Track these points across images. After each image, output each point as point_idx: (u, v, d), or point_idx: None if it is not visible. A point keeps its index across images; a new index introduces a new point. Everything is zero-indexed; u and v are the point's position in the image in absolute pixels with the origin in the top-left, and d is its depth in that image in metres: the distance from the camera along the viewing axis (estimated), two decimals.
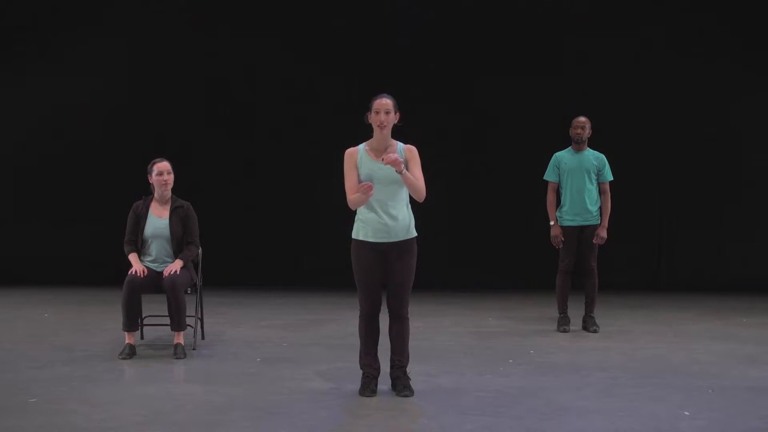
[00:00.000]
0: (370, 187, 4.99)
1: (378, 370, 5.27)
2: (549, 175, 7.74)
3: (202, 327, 7.03)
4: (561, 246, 7.64)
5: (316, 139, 10.91)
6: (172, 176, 6.56)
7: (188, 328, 6.51)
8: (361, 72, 10.74)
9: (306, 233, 11.12)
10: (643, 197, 10.92)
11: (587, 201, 7.58)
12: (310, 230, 11.08)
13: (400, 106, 5.21)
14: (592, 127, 7.70)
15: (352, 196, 5.13)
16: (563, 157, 7.68)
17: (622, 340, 7.24)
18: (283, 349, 6.79)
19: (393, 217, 5.13)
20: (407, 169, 5.10)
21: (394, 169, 5.03)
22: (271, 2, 11.22)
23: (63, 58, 11.35)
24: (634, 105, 10.92)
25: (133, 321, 6.38)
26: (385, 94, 5.19)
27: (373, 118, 5.15)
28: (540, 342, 7.13)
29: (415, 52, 10.98)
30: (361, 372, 5.27)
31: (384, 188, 5.10)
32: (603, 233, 7.60)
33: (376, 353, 5.27)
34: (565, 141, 7.75)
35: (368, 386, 5.19)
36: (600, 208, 7.65)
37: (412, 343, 5.34)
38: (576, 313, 7.80)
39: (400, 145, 5.23)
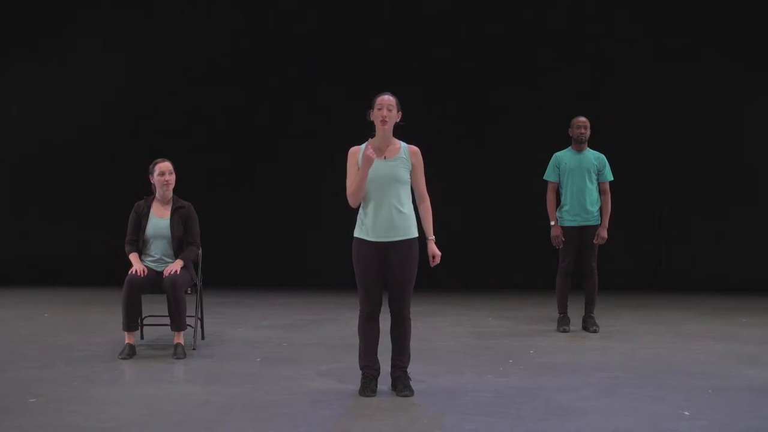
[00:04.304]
0: (372, 154, 5.00)
1: (378, 370, 5.26)
2: (549, 175, 7.73)
3: (202, 327, 7.03)
4: (561, 246, 7.64)
5: (316, 139, 10.92)
6: (173, 176, 6.56)
7: (188, 328, 6.51)
8: (362, 71, 10.74)
9: (306, 233, 11.13)
10: (643, 197, 10.93)
11: (587, 201, 7.57)
12: (310, 230, 11.08)
13: (401, 106, 5.22)
14: (591, 127, 7.71)
15: (350, 190, 5.13)
16: (563, 157, 7.68)
17: (622, 340, 7.24)
18: (283, 349, 6.79)
19: (396, 215, 5.12)
20: (412, 177, 5.19)
21: (396, 167, 5.11)
22: (273, 4, 11.22)
23: (62, 56, 11.35)
24: (634, 105, 10.93)
25: (133, 321, 6.37)
26: (388, 92, 5.21)
27: (375, 114, 5.15)
28: (540, 342, 7.13)
29: (417, 52, 10.98)
30: (361, 372, 5.27)
31: (387, 186, 5.10)
32: (603, 233, 7.59)
33: (376, 353, 5.26)
34: (565, 141, 7.75)
35: (368, 386, 5.18)
36: (600, 208, 7.65)
37: (412, 343, 5.34)
38: (576, 313, 7.80)
39: (404, 145, 5.24)
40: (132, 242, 6.52)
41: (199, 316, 6.93)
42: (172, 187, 6.57)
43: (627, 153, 10.06)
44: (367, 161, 5.01)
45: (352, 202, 5.19)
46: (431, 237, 5.27)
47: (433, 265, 5.25)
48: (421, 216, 5.26)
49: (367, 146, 5.04)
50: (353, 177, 5.16)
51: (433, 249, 5.25)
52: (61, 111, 11.35)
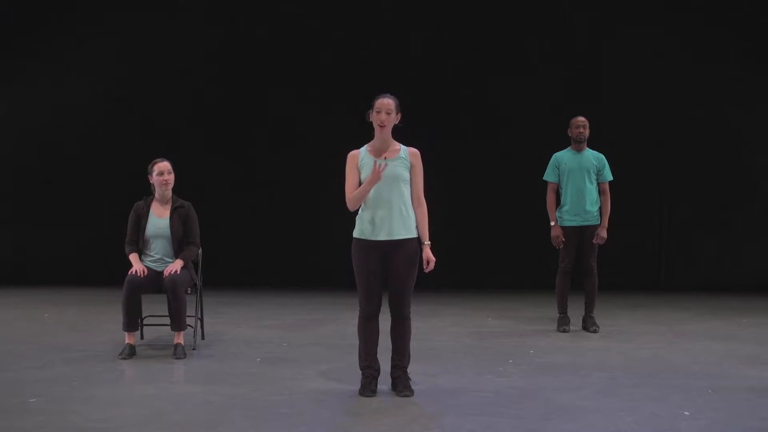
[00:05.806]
0: (381, 172, 4.99)
1: (378, 370, 5.26)
2: (549, 176, 7.73)
3: (202, 327, 7.03)
4: (561, 246, 7.64)
5: (316, 140, 10.92)
6: (172, 176, 6.56)
7: (188, 328, 6.51)
8: (362, 73, 10.74)
9: (306, 233, 11.12)
10: (643, 197, 10.93)
11: (587, 201, 7.57)
12: (310, 230, 11.08)
13: (402, 107, 5.21)
14: (591, 127, 7.71)
15: (350, 194, 5.13)
16: (563, 157, 7.68)
17: (622, 340, 7.24)
18: (283, 349, 6.79)
19: (397, 215, 5.12)
20: (410, 178, 5.16)
21: (397, 166, 5.11)
22: (272, 4, 11.22)
23: (62, 58, 11.35)
24: (634, 105, 10.92)
25: (133, 321, 6.37)
26: (388, 94, 5.20)
27: (374, 117, 5.15)
28: (540, 342, 7.13)
29: (417, 54, 10.98)
30: (361, 372, 5.27)
31: (387, 186, 5.10)
32: (603, 233, 7.59)
33: (376, 353, 5.26)
34: (564, 141, 7.74)
35: (368, 386, 5.18)
36: (600, 208, 7.65)
37: (412, 343, 5.33)
38: (576, 313, 7.80)
39: (403, 148, 5.24)
40: (132, 242, 6.52)
41: (199, 316, 6.93)
42: (171, 186, 6.57)
43: (627, 153, 10.05)
44: (375, 178, 5.00)
45: (351, 207, 5.19)
46: (427, 242, 5.25)
47: (427, 270, 5.23)
48: (418, 220, 5.23)
49: (376, 166, 5.01)
50: (352, 180, 5.15)
51: (428, 254, 5.23)
52: (61, 111, 11.35)
